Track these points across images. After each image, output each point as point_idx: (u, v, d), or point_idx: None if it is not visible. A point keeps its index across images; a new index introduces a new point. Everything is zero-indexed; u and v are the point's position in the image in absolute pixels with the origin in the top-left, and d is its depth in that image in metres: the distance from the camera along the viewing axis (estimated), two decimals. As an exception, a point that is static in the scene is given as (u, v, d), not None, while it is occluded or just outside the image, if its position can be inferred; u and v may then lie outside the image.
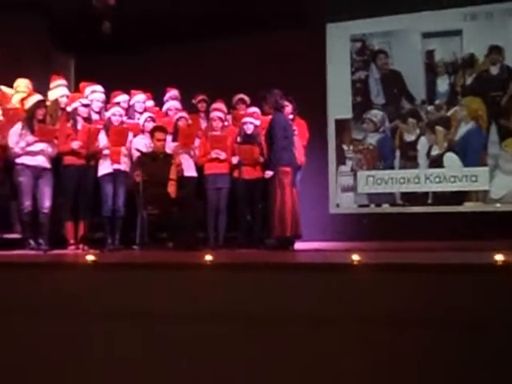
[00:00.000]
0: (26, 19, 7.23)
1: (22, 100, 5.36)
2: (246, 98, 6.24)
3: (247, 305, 2.37)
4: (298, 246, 5.11)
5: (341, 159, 7.59)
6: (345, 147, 7.60)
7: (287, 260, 3.28)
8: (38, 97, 5.18)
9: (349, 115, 7.59)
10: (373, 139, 7.50)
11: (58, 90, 5.67)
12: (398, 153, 7.39)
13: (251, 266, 2.58)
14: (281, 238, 4.94)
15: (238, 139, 5.65)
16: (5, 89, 5.56)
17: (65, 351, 2.59)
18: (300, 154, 5.73)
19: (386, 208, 7.36)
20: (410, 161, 7.32)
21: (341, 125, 7.59)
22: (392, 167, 7.38)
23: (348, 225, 7.16)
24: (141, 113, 5.94)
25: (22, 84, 5.74)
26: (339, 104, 7.58)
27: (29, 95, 5.34)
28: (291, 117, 5.75)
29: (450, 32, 7.23)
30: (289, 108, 5.71)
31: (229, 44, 7.44)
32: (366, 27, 7.62)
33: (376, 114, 7.51)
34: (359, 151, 7.54)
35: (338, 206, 7.54)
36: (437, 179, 7.14)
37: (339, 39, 7.66)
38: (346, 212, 7.46)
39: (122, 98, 5.94)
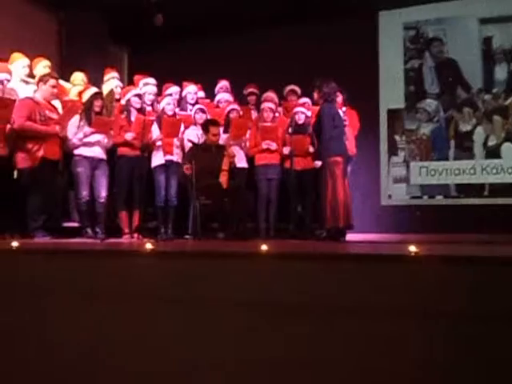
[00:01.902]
0: (83, 15, 7.44)
1: (80, 93, 5.51)
2: (297, 89, 6.21)
3: (299, 295, 2.36)
4: (349, 237, 5.06)
5: (393, 150, 7.47)
6: (397, 138, 7.47)
7: (340, 250, 3.26)
8: (94, 89, 5.31)
9: (401, 105, 7.47)
10: (426, 129, 7.36)
11: (112, 82, 5.81)
12: (452, 143, 7.22)
13: (303, 256, 2.57)
14: (332, 229, 4.90)
15: (290, 130, 5.64)
16: (63, 83, 5.73)
17: (121, 336, 2.66)
18: (351, 145, 5.67)
19: (439, 200, 7.21)
20: (465, 151, 7.14)
21: (393, 115, 7.48)
22: (446, 158, 7.21)
23: (400, 216, 7.06)
24: (193, 104, 6.00)
25: (78, 77, 5.92)
26: (392, 93, 7.46)
27: (86, 88, 5.49)
28: (344, 109, 5.69)
29: (509, 17, 6.99)
30: (339, 99, 5.64)
31: (280, 34, 7.43)
32: (420, 14, 7.45)
33: (430, 104, 7.36)
34: (412, 142, 7.41)
35: (389, 197, 7.44)
36: (494, 170, 6.93)
37: (392, 27, 7.52)
38: (398, 204, 7.35)
39: (173, 89, 6.02)
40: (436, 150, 7.29)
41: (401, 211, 7.18)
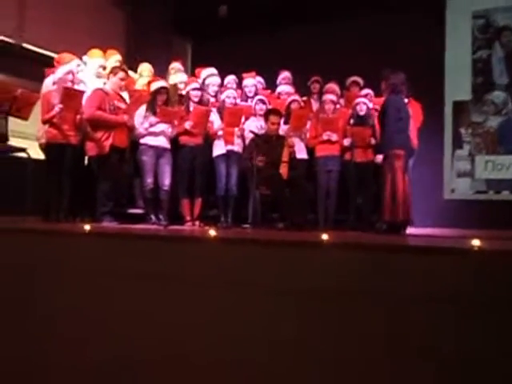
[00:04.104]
0: (150, 8, 7.67)
1: (148, 83, 5.69)
2: (360, 80, 6.13)
3: (356, 283, 2.38)
4: (410, 231, 4.99)
5: (458, 143, 7.28)
6: (462, 131, 7.27)
7: (399, 243, 3.23)
8: (161, 83, 5.42)
9: (468, 97, 7.25)
10: (494, 122, 7.12)
11: (177, 76, 5.94)
12: (521, 137, 6.96)
13: (362, 246, 2.58)
14: (391, 223, 4.85)
15: (351, 121, 5.59)
16: (130, 73, 5.93)
17: (185, 319, 2.75)
18: (413, 138, 5.56)
19: (506, 195, 6.96)
20: (535, 145, 6.87)
21: (459, 107, 7.27)
22: (514, 152, 6.96)
23: (463, 211, 6.87)
24: (252, 97, 6.03)
25: (146, 68, 6.11)
26: (458, 85, 7.26)
27: (154, 80, 5.64)
28: (406, 100, 5.58)
29: None
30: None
31: (344, 25, 7.36)
32: (490, 2, 7.20)
33: (498, 96, 7.11)
34: (478, 135, 7.18)
35: (453, 191, 7.27)
36: None
37: (460, 16, 7.30)
38: (462, 198, 7.16)
39: (232, 80, 6.10)
40: (503, 144, 7.04)
41: (464, 206, 7.00)
